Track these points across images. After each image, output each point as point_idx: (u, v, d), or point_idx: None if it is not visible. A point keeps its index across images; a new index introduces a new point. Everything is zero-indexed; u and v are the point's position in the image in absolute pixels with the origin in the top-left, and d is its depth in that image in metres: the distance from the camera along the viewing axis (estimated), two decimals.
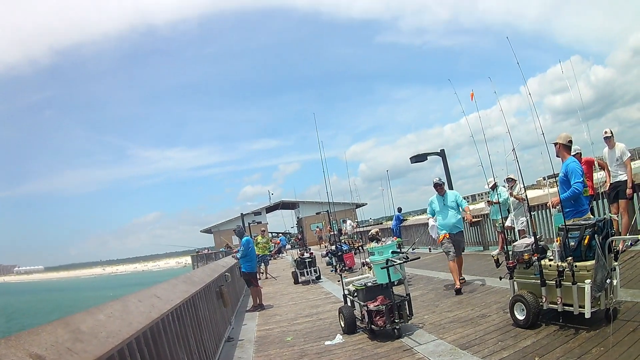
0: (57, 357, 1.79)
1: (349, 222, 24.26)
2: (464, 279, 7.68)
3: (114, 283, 56.70)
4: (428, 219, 8.23)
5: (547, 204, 6.10)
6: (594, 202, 7.95)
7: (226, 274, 7.66)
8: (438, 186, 7.82)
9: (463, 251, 7.97)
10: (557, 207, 5.17)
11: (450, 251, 7.50)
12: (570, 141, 5.44)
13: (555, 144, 5.40)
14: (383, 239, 6.24)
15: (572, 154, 5.55)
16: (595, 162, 7.88)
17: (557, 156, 5.45)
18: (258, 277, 10.54)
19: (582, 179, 5.16)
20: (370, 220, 28.52)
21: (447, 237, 7.61)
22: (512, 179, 9.56)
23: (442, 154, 14.16)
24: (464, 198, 8.46)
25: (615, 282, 4.12)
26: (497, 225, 10.84)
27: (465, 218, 8.27)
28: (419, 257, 7.61)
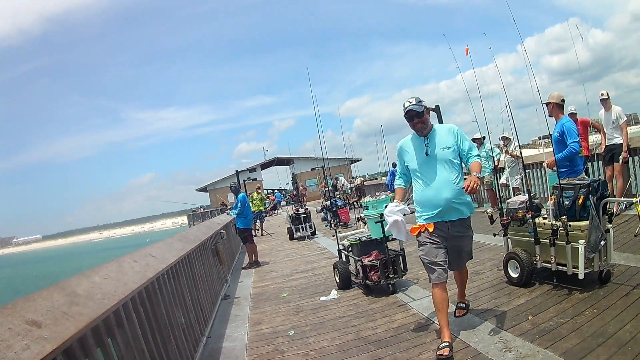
0: (53, 322, 1.78)
1: (341, 178, 24.29)
2: (465, 305, 4.19)
3: (114, 245, 57.34)
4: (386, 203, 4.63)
5: (542, 164, 6.08)
6: (589, 164, 7.96)
7: (222, 231, 7.69)
8: (416, 117, 3.69)
9: (470, 257, 3.98)
10: (553, 168, 5.15)
11: (435, 265, 3.61)
12: (563, 100, 5.38)
13: (548, 103, 5.34)
14: (377, 193, 6.19)
15: (567, 113, 5.49)
16: (591, 124, 7.85)
17: (550, 116, 5.38)
18: (253, 234, 10.61)
19: (578, 138, 5.14)
20: (366, 175, 28.68)
21: (431, 229, 3.64)
22: (507, 137, 9.50)
23: (437, 109, 13.89)
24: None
25: (609, 244, 4.15)
26: (484, 183, 10.83)
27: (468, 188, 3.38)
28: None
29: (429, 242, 3.66)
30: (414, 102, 3.70)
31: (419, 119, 3.70)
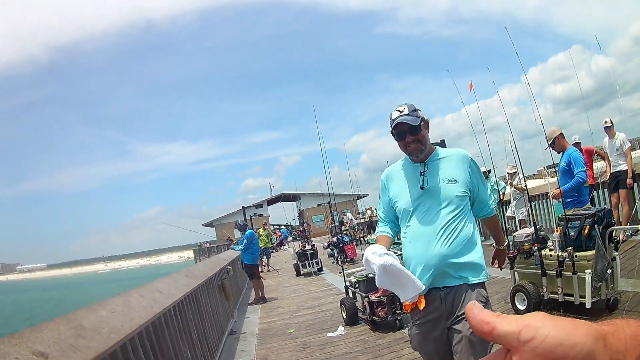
0: (60, 354, 1.79)
1: (348, 214, 24.37)
2: None
3: (121, 277, 57.13)
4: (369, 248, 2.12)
5: (548, 194, 6.10)
6: (594, 192, 7.96)
7: (228, 267, 7.68)
8: (409, 132, 2.33)
9: (484, 352, 2.03)
10: (559, 199, 5.17)
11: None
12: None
13: (553, 141, 5.37)
14: None
15: (572, 143, 5.55)
16: (595, 151, 7.90)
17: (558, 152, 5.42)
18: (260, 269, 10.57)
19: (585, 168, 5.17)
20: (374, 210, 28.70)
21: (421, 306, 2.22)
22: (510, 172, 9.51)
23: (442, 144, 14.01)
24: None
25: (615, 272, 4.14)
26: None
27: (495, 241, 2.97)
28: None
29: (420, 326, 2.35)
30: (405, 112, 2.35)
31: (413, 135, 2.36)
